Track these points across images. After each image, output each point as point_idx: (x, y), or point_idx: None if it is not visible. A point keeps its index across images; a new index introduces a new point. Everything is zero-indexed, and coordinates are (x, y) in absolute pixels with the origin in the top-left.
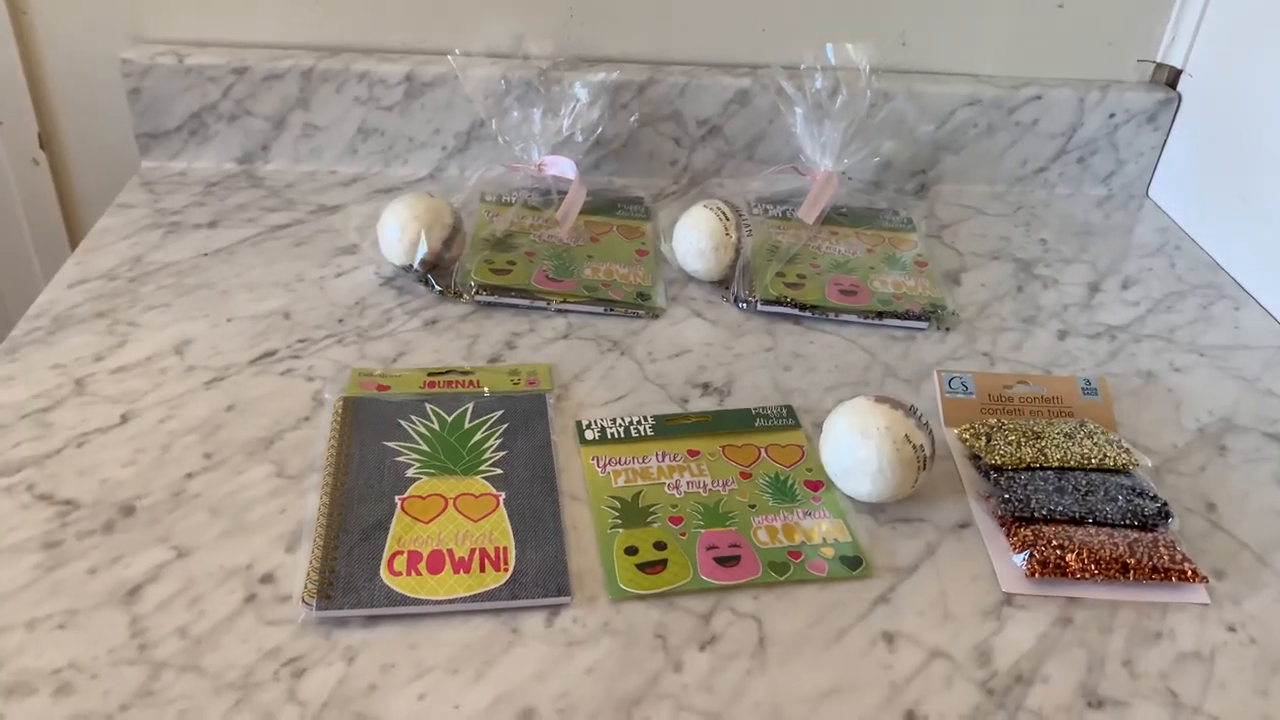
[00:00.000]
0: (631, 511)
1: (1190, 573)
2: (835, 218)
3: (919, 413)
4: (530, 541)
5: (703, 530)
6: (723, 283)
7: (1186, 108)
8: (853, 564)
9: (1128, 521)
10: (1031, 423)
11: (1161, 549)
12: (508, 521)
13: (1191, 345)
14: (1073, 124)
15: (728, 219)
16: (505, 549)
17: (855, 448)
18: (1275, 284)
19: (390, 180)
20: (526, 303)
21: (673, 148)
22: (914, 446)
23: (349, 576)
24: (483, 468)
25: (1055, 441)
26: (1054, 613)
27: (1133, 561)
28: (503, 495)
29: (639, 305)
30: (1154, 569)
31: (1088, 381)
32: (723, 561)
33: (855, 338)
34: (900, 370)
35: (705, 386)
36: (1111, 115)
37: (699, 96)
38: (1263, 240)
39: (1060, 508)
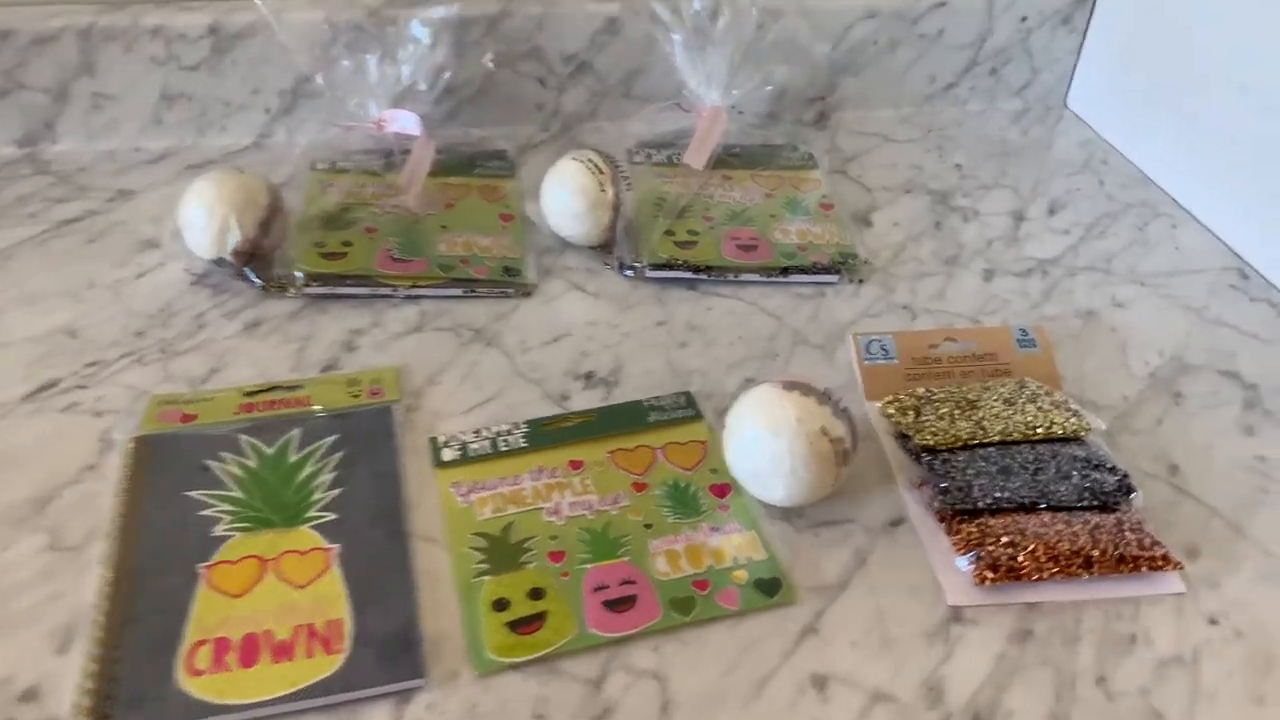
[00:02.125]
0: (501, 551)
1: (1162, 558)
2: (728, 160)
3: (835, 398)
4: (372, 607)
5: (589, 566)
6: (604, 247)
7: (1103, 3)
8: (770, 588)
9: (1085, 502)
10: (965, 388)
11: (1128, 533)
12: (342, 583)
13: (1131, 274)
14: (981, 32)
15: (602, 172)
16: (339, 622)
17: (764, 447)
18: (1213, 195)
19: (208, 152)
20: (368, 291)
21: (537, 89)
22: (831, 440)
23: (135, 684)
24: (311, 514)
25: (994, 410)
26: (1010, 624)
27: (1096, 553)
28: (336, 549)
29: (506, 282)
30: (1121, 559)
31: (1023, 331)
32: (614, 605)
33: (758, 300)
34: (811, 335)
35: (589, 377)
36: (1023, 19)
37: (561, 28)
38: (1196, 147)
39: (1007, 494)
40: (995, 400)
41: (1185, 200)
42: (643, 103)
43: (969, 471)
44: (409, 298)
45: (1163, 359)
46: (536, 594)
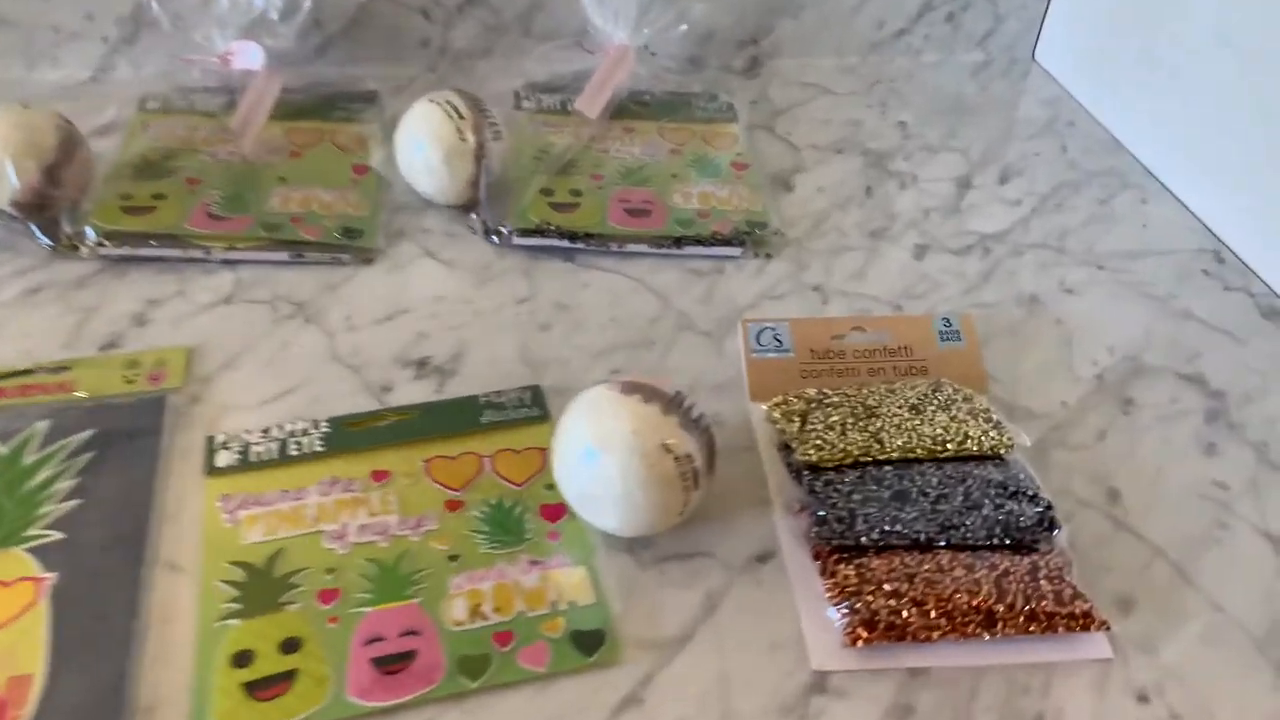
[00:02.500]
0: (261, 586)
1: (1084, 616)
2: (633, 109)
3: (687, 404)
4: (76, 661)
5: (367, 610)
6: (470, 207)
7: None
8: (590, 643)
9: (997, 539)
10: (868, 390)
11: (1043, 582)
12: (46, 625)
13: (1087, 254)
14: None
15: (462, 117)
16: (26, 680)
17: (592, 465)
18: (1192, 166)
19: (38, 87)
20: (178, 253)
21: (421, 23)
22: (676, 458)
23: None
24: (32, 532)
25: (896, 420)
26: (887, 697)
27: (1001, 608)
28: (50, 579)
29: (342, 246)
30: (1032, 616)
31: (947, 321)
32: (387, 664)
33: (645, 275)
34: (699, 319)
35: (421, 364)
36: None
37: None
38: (1176, 110)
39: (899, 527)
40: (900, 407)
41: (1160, 170)
42: (545, 42)
43: (855, 497)
44: (226, 262)
45: (1113, 358)
46: (290, 646)
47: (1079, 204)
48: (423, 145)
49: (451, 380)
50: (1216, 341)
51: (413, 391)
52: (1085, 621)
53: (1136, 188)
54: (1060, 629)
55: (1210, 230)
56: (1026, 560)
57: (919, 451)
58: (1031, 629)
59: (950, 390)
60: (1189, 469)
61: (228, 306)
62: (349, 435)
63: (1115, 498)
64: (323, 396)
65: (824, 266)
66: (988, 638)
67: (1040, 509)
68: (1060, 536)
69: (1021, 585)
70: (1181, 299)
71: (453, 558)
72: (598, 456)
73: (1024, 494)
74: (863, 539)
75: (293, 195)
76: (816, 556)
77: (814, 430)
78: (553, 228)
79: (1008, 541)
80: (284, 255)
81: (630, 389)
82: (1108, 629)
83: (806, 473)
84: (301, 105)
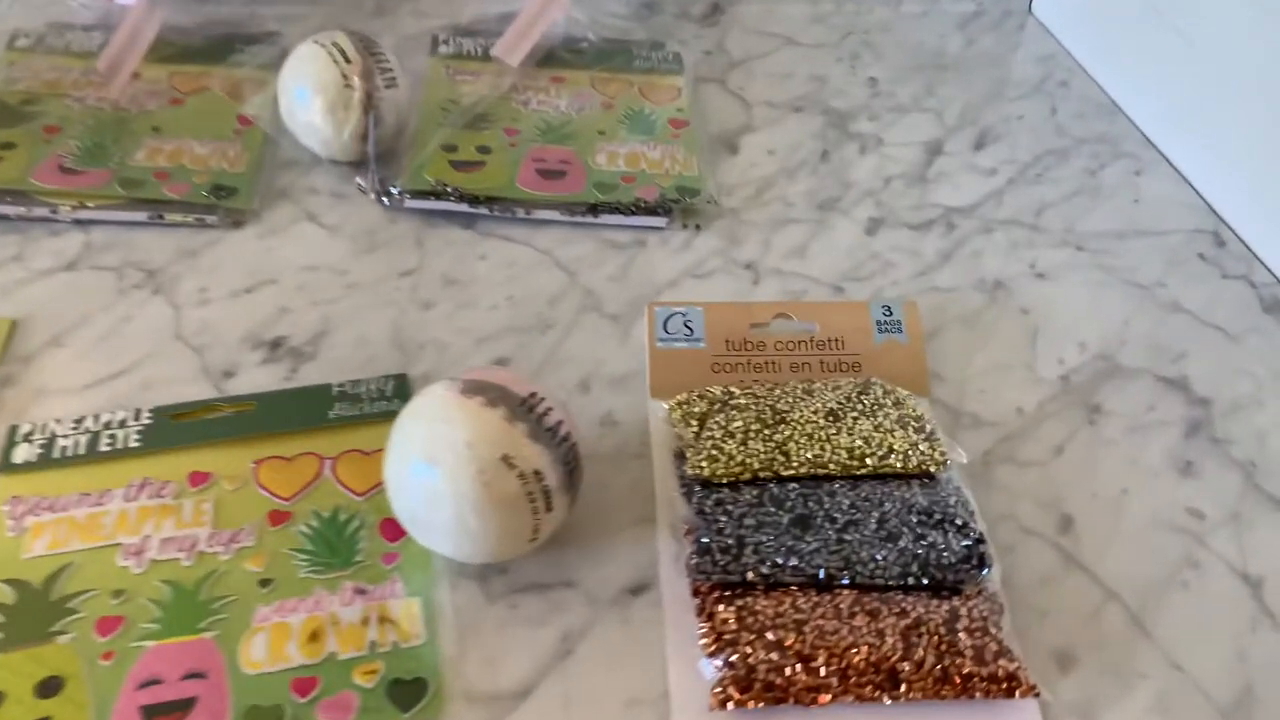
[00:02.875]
0: (33, 612)
1: (1007, 679)
2: (564, 57)
3: (541, 409)
4: None
5: (150, 644)
6: (363, 164)
7: None
8: (410, 696)
9: (913, 579)
10: (781, 390)
11: (962, 635)
12: None
13: (1067, 234)
14: None
15: (349, 61)
16: None
17: (421, 479)
18: (1196, 134)
19: None
20: (20, 210)
21: None
22: (521, 474)
23: None
24: None
25: (809, 428)
26: None
27: (908, 667)
28: None
29: (210, 206)
30: (944, 678)
31: (887, 310)
32: (159, 714)
33: (555, 247)
34: (608, 301)
35: (275, 345)
36: None
37: None
38: (1178, 71)
39: (795, 561)
40: (815, 412)
41: (1159, 138)
42: None
43: (747, 521)
44: (78, 222)
45: (1084, 356)
46: (50, 688)
47: (1063, 175)
48: (304, 92)
49: (307, 365)
50: (1207, 339)
51: (259, 378)
52: (1010, 686)
53: (1130, 157)
54: (978, 694)
55: (1211, 208)
56: (945, 607)
57: (831, 467)
58: (943, 693)
59: (880, 392)
60: (1160, 492)
61: (69, 274)
62: (172, 429)
63: (1067, 526)
64: (155, 381)
65: (761, 241)
66: (888, 702)
67: (969, 542)
68: (992, 576)
69: (934, 639)
70: (1171, 288)
71: (264, 582)
72: (428, 471)
73: (951, 523)
74: (749, 574)
75: (164, 148)
76: (696, 593)
77: (711, 437)
78: (450, 190)
79: (925, 581)
80: (142, 215)
81: (472, 389)
82: (1036, 695)
83: (697, 488)
84: (191, 46)
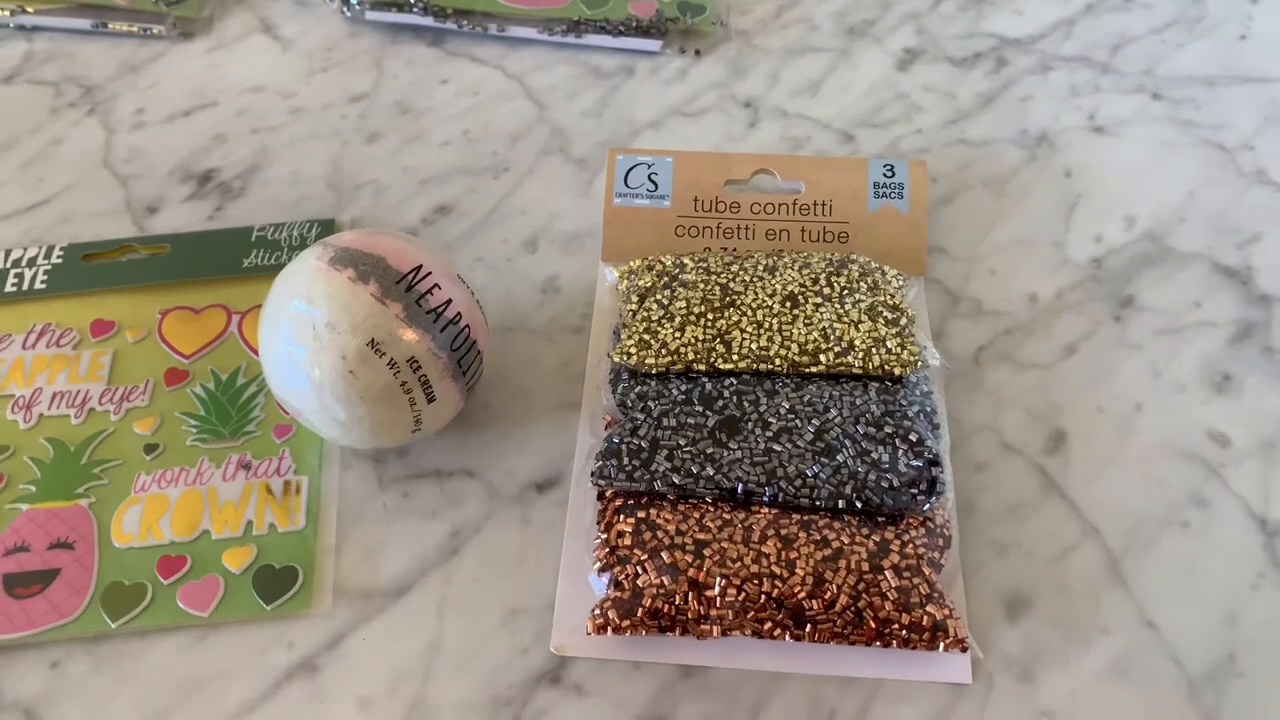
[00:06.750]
0: None
1: (931, 630)
2: None
3: (423, 286)
4: None
5: (24, 508)
6: None
7: None
8: (278, 584)
9: (844, 502)
10: (740, 265)
11: (888, 573)
12: None
13: (1144, 77)
14: None
15: None
16: None
17: (285, 363)
18: None
19: None
20: None
21: None
22: (393, 362)
23: None
24: None
25: (759, 314)
26: (641, 702)
27: (815, 605)
28: None
29: (158, 14)
30: (855, 621)
31: (888, 169)
32: (20, 585)
33: (527, 72)
34: (578, 141)
35: (205, 179)
36: None
37: None
38: None
39: (710, 470)
40: (771, 295)
41: None
42: None
43: (667, 422)
44: (21, 29)
45: (1129, 234)
46: None
47: (1158, 0)
48: None
49: (234, 203)
50: None
51: (181, 216)
52: (933, 637)
53: None
54: (894, 642)
55: None
56: (876, 538)
57: (778, 363)
58: (854, 638)
59: (855, 272)
60: (1181, 411)
61: (4, 87)
62: (81, 271)
63: (1057, 444)
64: (74, 215)
65: (769, 73)
66: (788, 640)
67: (918, 463)
68: (945, 502)
69: (853, 575)
70: (1259, 152)
71: (150, 447)
72: (292, 350)
73: (903, 438)
74: (657, 483)
75: None
76: (600, 497)
77: (646, 318)
78: (414, 0)
79: (859, 506)
80: (85, 23)
81: (344, 260)
82: (963, 649)
83: (625, 376)
84: None
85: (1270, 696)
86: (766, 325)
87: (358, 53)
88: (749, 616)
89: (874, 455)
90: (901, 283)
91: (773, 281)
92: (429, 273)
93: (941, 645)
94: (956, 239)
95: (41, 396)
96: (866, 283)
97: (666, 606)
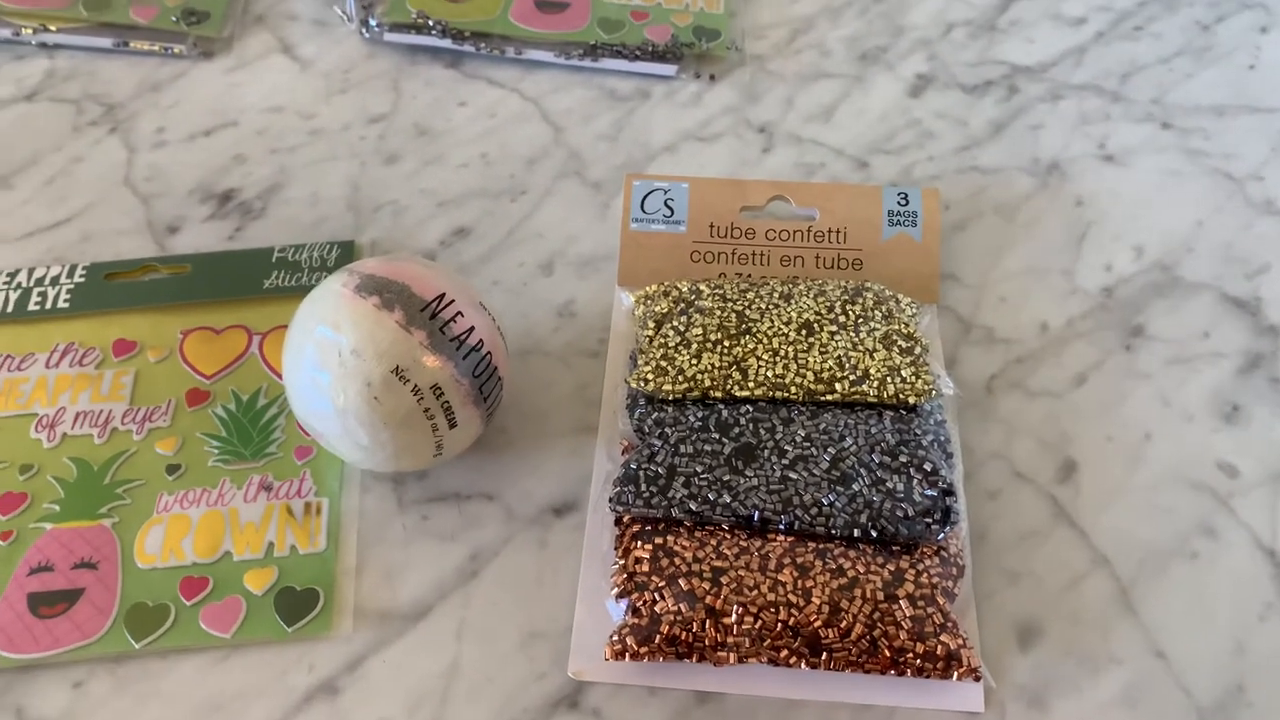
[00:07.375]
0: None
1: (945, 660)
2: None
3: (448, 313)
4: None
5: (48, 527)
6: None
7: None
8: (299, 606)
9: (861, 530)
10: (756, 292)
11: (903, 602)
12: None
13: (1153, 106)
14: None
15: None
16: None
17: (309, 388)
18: None
19: None
20: None
21: None
22: (416, 389)
23: None
24: None
25: (775, 342)
26: None
27: (831, 634)
28: None
29: (179, 33)
30: (871, 650)
31: (903, 198)
32: (45, 604)
33: (544, 95)
34: (594, 164)
35: (226, 198)
36: None
37: None
38: None
39: (727, 498)
40: (787, 323)
41: None
42: None
43: (684, 449)
44: (43, 46)
45: (1139, 263)
46: None
47: (1167, 29)
48: None
49: (254, 224)
50: None
51: (202, 235)
52: (946, 666)
53: (1259, 8)
54: (909, 671)
55: None
56: (890, 567)
57: (794, 390)
58: (869, 667)
59: (871, 300)
60: (1190, 441)
61: (28, 105)
62: (103, 290)
63: (1069, 473)
64: (95, 234)
65: (783, 98)
66: (804, 668)
67: (933, 493)
68: (959, 531)
69: (868, 604)
70: (1269, 183)
71: (172, 468)
72: (316, 375)
73: (918, 467)
74: (674, 510)
75: None
76: (617, 523)
77: (663, 345)
78: (433, 22)
79: (874, 535)
80: (107, 42)
81: (369, 287)
82: (976, 678)
83: (642, 402)
84: None
85: None
86: (782, 353)
87: (376, 74)
88: (765, 644)
89: (889, 484)
90: (915, 311)
91: (788, 309)
92: (452, 300)
93: (955, 675)
94: (968, 266)
95: (65, 416)
96: (881, 311)
97: (684, 633)
